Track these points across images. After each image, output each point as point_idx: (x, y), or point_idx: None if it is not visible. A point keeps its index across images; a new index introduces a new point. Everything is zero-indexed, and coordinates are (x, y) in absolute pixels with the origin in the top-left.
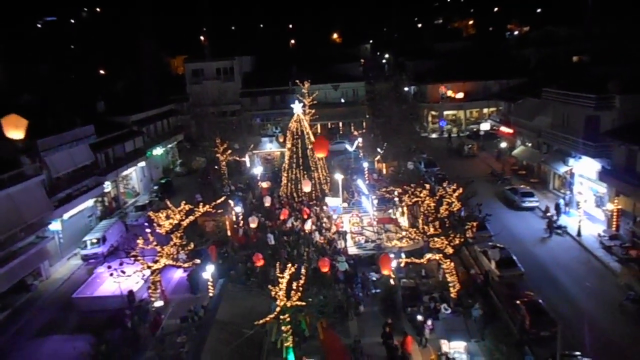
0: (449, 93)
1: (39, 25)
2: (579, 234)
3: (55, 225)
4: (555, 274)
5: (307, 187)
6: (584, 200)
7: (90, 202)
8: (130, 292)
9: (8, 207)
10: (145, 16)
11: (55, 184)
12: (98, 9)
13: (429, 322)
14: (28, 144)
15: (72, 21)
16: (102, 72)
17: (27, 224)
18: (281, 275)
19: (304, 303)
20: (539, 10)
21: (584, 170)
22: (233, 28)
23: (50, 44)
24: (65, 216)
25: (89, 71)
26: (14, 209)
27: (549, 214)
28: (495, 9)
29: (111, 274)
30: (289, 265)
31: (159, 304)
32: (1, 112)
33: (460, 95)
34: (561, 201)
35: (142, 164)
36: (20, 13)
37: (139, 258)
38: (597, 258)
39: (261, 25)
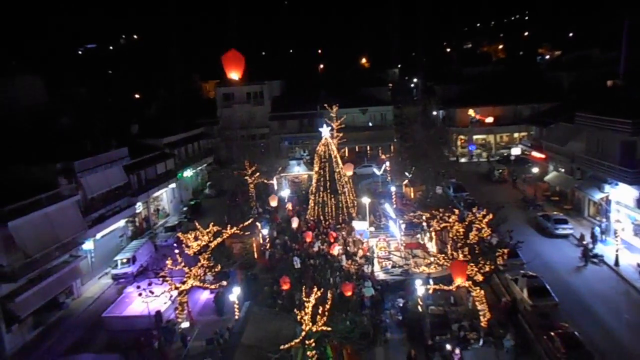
0: (479, 117)
1: (80, 52)
2: (616, 263)
3: (88, 245)
4: (592, 305)
5: (349, 171)
6: (622, 228)
7: (121, 223)
8: (158, 313)
9: (45, 226)
10: (179, 43)
11: (90, 204)
12: (135, 37)
13: (458, 352)
14: (66, 165)
15: (111, 48)
16: (137, 96)
17: (61, 242)
18: (307, 300)
19: (329, 328)
20: (570, 34)
21: (621, 197)
22: (263, 53)
23: (89, 69)
24: (98, 236)
25: (125, 95)
26: (50, 228)
27: (584, 242)
28: (525, 34)
29: (140, 294)
30: (315, 289)
31: (185, 325)
32: (42, 134)
33: (490, 119)
34: (597, 229)
35: (173, 185)
36: (63, 41)
37: (167, 278)
38: (636, 289)
39: (290, 51)
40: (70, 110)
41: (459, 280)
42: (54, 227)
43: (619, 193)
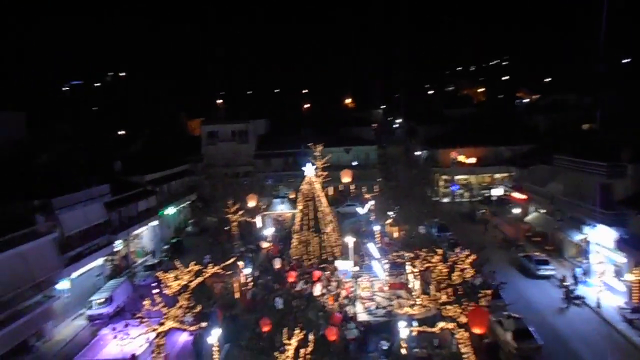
0: (460, 158)
1: (66, 89)
2: (598, 305)
3: (63, 284)
4: (576, 348)
5: (347, 178)
6: (603, 270)
7: (99, 261)
8: (133, 356)
9: (18, 264)
10: (166, 80)
11: (67, 242)
12: (122, 74)
13: None
14: (43, 202)
15: (97, 84)
16: (121, 132)
17: (35, 282)
18: (288, 342)
19: None
20: (547, 79)
21: (600, 238)
22: (249, 92)
23: (74, 105)
24: (74, 275)
25: (109, 132)
26: (24, 266)
27: (565, 284)
28: (505, 78)
29: (115, 336)
30: (297, 331)
31: None
32: (21, 171)
33: (472, 160)
34: (578, 270)
35: (154, 223)
36: (49, 78)
37: (144, 320)
38: (619, 332)
39: (276, 90)
40: (52, 146)
41: (477, 331)
42: (29, 266)
43: (598, 234)
